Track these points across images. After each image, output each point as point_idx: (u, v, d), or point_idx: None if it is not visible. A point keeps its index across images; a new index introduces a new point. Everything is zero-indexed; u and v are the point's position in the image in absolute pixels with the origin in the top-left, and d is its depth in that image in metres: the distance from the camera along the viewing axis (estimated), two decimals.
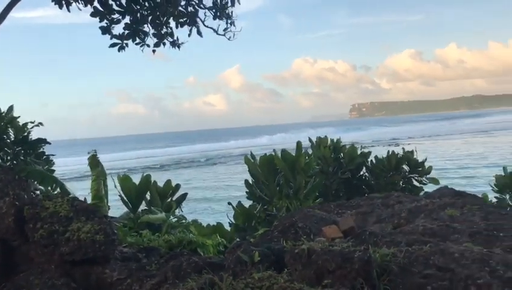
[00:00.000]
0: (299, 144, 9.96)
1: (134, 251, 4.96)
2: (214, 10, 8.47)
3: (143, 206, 8.92)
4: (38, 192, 6.43)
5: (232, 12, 8.38)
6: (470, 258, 3.28)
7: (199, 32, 8.44)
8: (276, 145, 11.02)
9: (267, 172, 9.56)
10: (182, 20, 8.32)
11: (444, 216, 4.42)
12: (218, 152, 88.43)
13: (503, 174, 10.37)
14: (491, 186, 10.52)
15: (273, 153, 9.78)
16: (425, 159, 11.84)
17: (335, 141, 12.36)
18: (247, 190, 10.29)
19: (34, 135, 7.38)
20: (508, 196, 10.11)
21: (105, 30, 7.84)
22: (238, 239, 8.32)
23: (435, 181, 11.63)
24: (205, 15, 8.39)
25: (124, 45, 7.99)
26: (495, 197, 10.34)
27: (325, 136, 12.64)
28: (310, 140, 12.64)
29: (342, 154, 12.06)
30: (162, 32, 8.37)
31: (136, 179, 8.93)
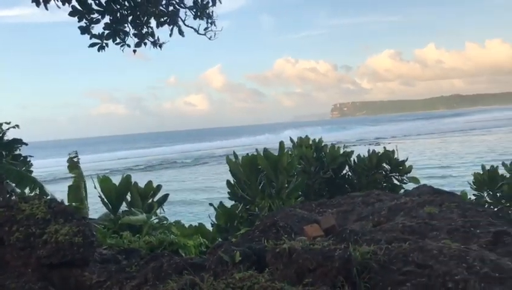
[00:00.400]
0: (281, 144, 10.00)
1: (114, 252, 4.89)
2: (194, 10, 8.43)
3: (124, 207, 8.83)
4: (14, 195, 6.30)
5: (212, 12, 8.33)
6: (447, 255, 3.32)
7: (181, 32, 8.39)
8: (260, 146, 11.03)
9: (249, 172, 9.57)
10: (162, 19, 8.25)
11: (423, 214, 4.47)
12: (201, 152, 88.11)
13: (481, 172, 10.60)
14: (470, 184, 10.74)
15: (256, 153, 9.79)
16: (407, 159, 12.01)
17: (316, 140, 12.44)
18: (229, 190, 10.28)
19: (16, 136, 7.23)
20: (485, 194, 10.33)
21: (84, 30, 7.70)
22: (220, 239, 8.30)
23: (415, 180, 11.81)
24: (186, 14, 8.34)
25: (104, 44, 7.89)
26: (473, 194, 10.56)
27: (306, 136, 12.71)
28: (292, 140, 12.69)
29: (323, 153, 12.15)
30: (143, 32, 8.28)
31: (117, 180, 8.84)
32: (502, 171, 10.53)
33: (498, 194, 10.34)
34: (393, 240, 3.76)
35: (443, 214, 4.41)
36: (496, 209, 9.80)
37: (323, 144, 12.39)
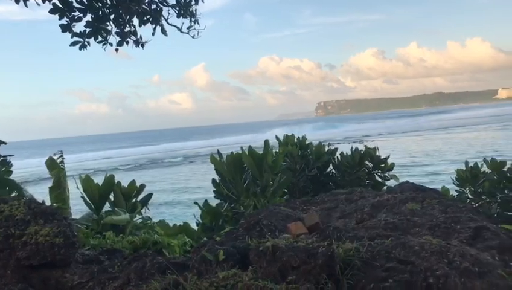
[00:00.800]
0: (266, 142, 10.00)
1: (97, 253, 4.83)
2: (177, 8, 8.37)
3: (107, 207, 8.73)
4: None
5: (196, 10, 8.30)
6: (429, 251, 3.36)
7: (163, 31, 8.33)
8: (247, 144, 11.04)
9: (234, 170, 9.55)
10: (145, 18, 8.18)
11: (405, 210, 4.52)
12: (186, 151, 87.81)
13: (464, 168, 10.76)
14: (453, 180, 10.91)
15: (240, 151, 9.77)
16: (388, 156, 12.15)
17: (301, 138, 12.51)
18: (215, 189, 10.25)
19: None
20: (467, 190, 10.50)
21: (65, 28, 7.59)
22: (205, 238, 8.27)
23: (395, 178, 11.96)
24: (169, 13, 8.28)
25: (86, 43, 7.78)
26: (456, 191, 10.73)
27: (292, 134, 12.77)
28: (277, 138, 12.72)
29: (309, 151, 12.21)
30: (125, 30, 8.20)
31: (101, 180, 8.73)
32: (484, 168, 10.71)
33: (479, 191, 10.51)
34: (376, 237, 3.79)
35: (425, 210, 4.46)
36: (476, 205, 9.98)
37: (308, 142, 12.45)
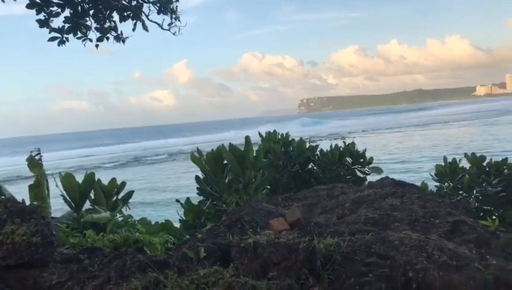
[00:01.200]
0: (247, 138, 9.98)
1: (76, 252, 4.75)
2: (158, 4, 8.27)
3: (87, 205, 8.61)
4: None
5: (176, 7, 8.21)
6: (408, 245, 3.41)
7: (145, 27, 8.22)
8: (232, 141, 11.03)
9: (215, 167, 9.50)
10: (125, 14, 8.05)
11: (385, 205, 4.57)
12: (170, 149, 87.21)
13: (443, 164, 10.94)
14: (431, 175, 11.08)
15: (221, 148, 9.72)
16: (365, 150, 12.26)
17: (284, 135, 12.53)
18: (198, 186, 10.18)
19: None
20: (446, 185, 10.68)
21: (43, 23, 7.43)
22: (187, 236, 8.23)
23: (377, 170, 12.06)
24: (149, 9, 8.17)
25: (64, 39, 7.63)
26: (435, 185, 10.89)
27: (274, 130, 12.79)
28: (260, 134, 12.72)
29: (291, 148, 12.25)
30: (105, 26, 8.06)
31: (81, 178, 8.60)
32: (462, 163, 10.90)
33: (458, 186, 10.69)
34: (357, 232, 3.83)
35: (404, 205, 4.52)
36: (454, 200, 10.16)
37: (290, 139, 12.49)
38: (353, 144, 12.28)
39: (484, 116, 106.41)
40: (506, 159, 10.40)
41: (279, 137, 12.50)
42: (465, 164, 10.90)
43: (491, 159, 10.48)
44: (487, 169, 10.27)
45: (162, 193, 34.07)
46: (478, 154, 10.58)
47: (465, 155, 10.83)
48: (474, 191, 10.33)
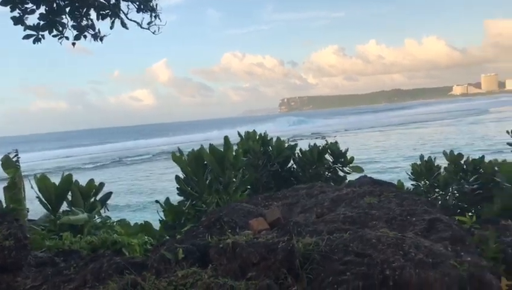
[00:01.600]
0: (226, 138, 9.94)
1: (52, 255, 4.66)
2: (137, 3, 8.15)
3: (65, 207, 8.45)
4: None
5: (156, 5, 8.11)
6: (385, 243, 3.44)
7: (124, 25, 8.08)
8: (213, 141, 10.98)
9: (196, 168, 9.44)
10: (103, 12, 7.91)
11: (363, 204, 4.61)
12: (150, 149, 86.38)
13: (419, 162, 11.12)
14: (408, 174, 11.25)
15: (202, 148, 9.66)
16: (347, 149, 12.35)
17: (263, 134, 12.53)
18: (178, 186, 10.10)
19: None
20: (422, 183, 10.86)
21: (17, 20, 7.24)
22: (167, 237, 8.15)
23: (358, 169, 12.16)
24: (128, 8, 8.05)
25: (40, 36, 7.45)
26: (411, 184, 11.06)
27: (253, 130, 12.77)
28: (239, 134, 12.69)
29: (270, 147, 12.26)
30: (82, 24, 7.90)
31: (59, 179, 8.44)
32: (438, 161, 11.10)
33: (435, 184, 10.88)
34: (335, 231, 3.84)
35: (382, 203, 4.56)
36: (431, 197, 10.34)
37: (269, 138, 12.50)
38: (335, 143, 12.35)
39: (460, 115, 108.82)
40: (483, 157, 10.64)
41: (258, 136, 12.49)
42: (440, 162, 11.12)
43: (468, 157, 10.70)
44: (464, 167, 10.48)
45: (140, 195, 33.70)
46: (456, 153, 10.80)
47: (444, 153, 11.03)
48: (451, 188, 10.53)
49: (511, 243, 3.79)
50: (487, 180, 9.98)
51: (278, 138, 12.60)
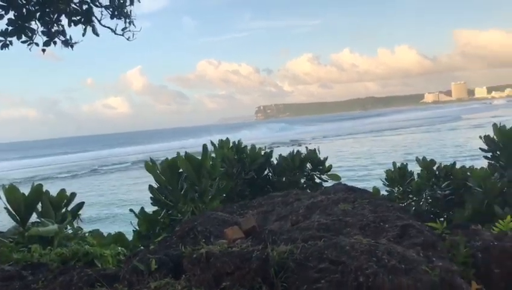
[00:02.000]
0: (204, 146, 9.87)
1: (19, 268, 4.50)
2: (111, 9, 8.03)
3: (34, 218, 8.21)
4: None
5: (130, 11, 8.02)
6: (359, 250, 3.46)
7: (95, 32, 7.94)
8: (189, 149, 10.88)
9: (171, 176, 9.32)
10: (75, 18, 7.76)
11: (338, 211, 4.63)
12: (124, 158, 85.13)
13: (392, 169, 11.30)
14: (382, 181, 11.41)
15: (177, 157, 9.55)
16: (326, 158, 12.44)
17: (237, 142, 12.49)
18: (152, 196, 9.94)
19: None
20: (396, 189, 11.04)
21: None
22: (141, 247, 8.00)
23: (336, 177, 12.23)
24: (102, 14, 7.92)
25: (8, 42, 7.26)
26: (386, 190, 11.23)
27: (227, 138, 12.70)
28: (212, 143, 12.56)
29: (244, 155, 12.22)
30: (53, 30, 7.73)
31: (27, 190, 8.19)
32: (410, 167, 11.32)
33: (408, 190, 11.07)
34: (310, 238, 3.85)
35: (356, 210, 4.60)
36: (405, 203, 10.51)
37: (243, 146, 12.46)
38: (315, 151, 12.40)
39: (431, 122, 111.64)
40: (454, 163, 10.90)
41: (232, 144, 12.44)
42: (414, 168, 11.33)
43: (440, 164, 10.95)
44: (437, 173, 10.72)
45: (113, 205, 33.11)
46: (428, 159, 11.03)
47: (417, 159, 11.25)
48: (424, 194, 10.74)
49: (481, 247, 3.86)
50: (458, 185, 10.22)
51: (253, 146, 12.57)
